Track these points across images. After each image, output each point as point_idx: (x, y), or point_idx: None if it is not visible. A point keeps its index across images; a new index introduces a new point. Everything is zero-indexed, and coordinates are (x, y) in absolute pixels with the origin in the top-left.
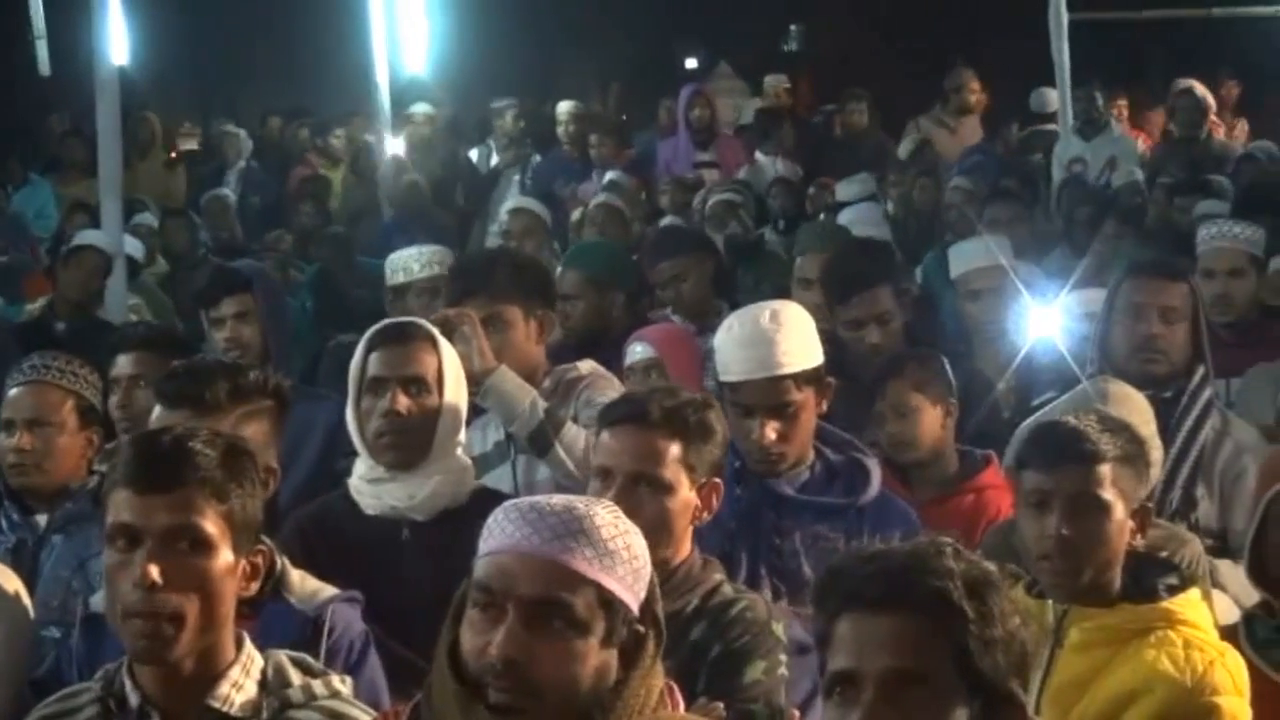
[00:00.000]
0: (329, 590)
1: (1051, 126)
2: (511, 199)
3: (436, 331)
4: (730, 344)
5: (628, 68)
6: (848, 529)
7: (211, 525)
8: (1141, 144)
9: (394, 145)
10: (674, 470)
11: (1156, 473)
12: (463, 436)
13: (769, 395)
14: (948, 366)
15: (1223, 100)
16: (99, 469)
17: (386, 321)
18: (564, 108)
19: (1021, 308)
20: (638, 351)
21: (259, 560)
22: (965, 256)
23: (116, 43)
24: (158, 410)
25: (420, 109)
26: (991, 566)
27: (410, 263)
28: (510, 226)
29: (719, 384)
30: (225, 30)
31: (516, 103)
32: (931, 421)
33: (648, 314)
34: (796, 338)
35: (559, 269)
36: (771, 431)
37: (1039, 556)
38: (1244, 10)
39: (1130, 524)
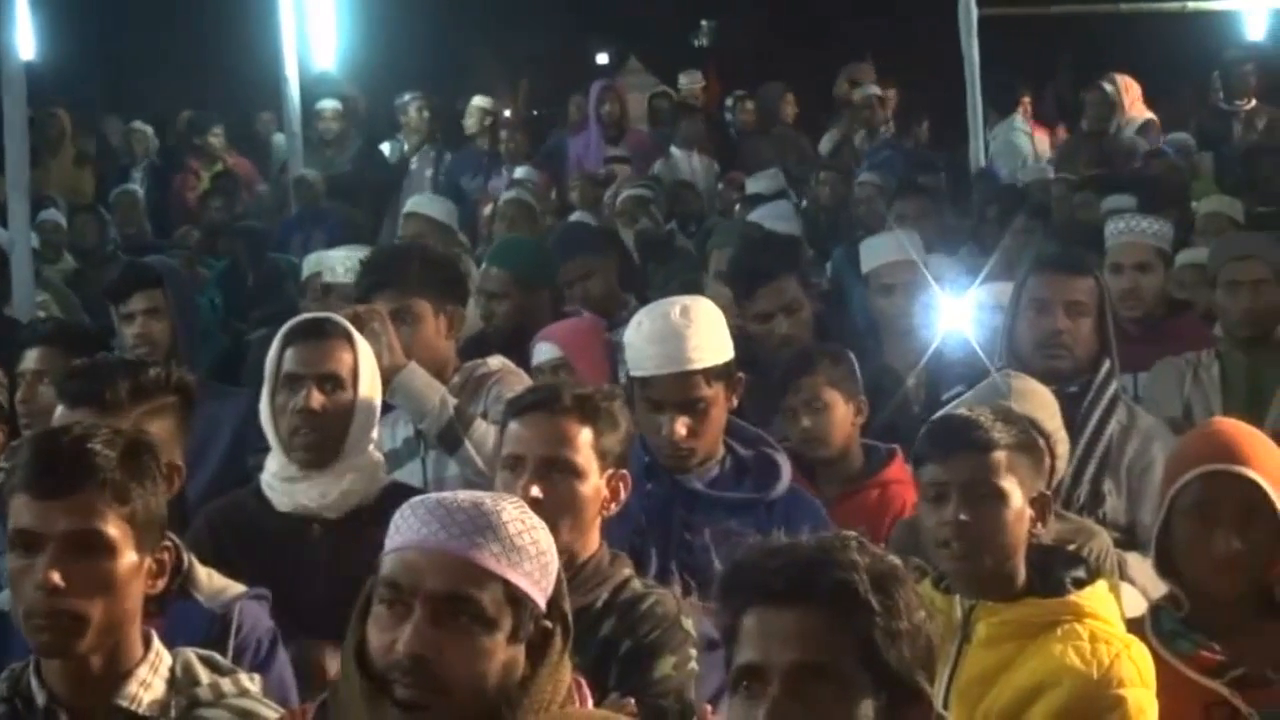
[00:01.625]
0: (236, 588)
1: None
2: (409, 201)
3: (352, 328)
4: (641, 339)
5: (539, 63)
6: (758, 524)
7: (113, 528)
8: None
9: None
10: (586, 455)
11: (1063, 465)
12: (376, 433)
13: (679, 391)
14: (857, 365)
15: None
16: (2, 466)
17: (303, 317)
18: (476, 103)
19: (932, 301)
20: (544, 352)
21: (164, 557)
22: (877, 251)
23: (23, 38)
24: (60, 409)
25: (329, 105)
26: (897, 560)
27: (336, 264)
28: (403, 232)
29: (629, 379)
30: (134, 26)
31: (421, 96)
32: (843, 418)
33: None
34: (707, 333)
35: (483, 264)
36: (682, 427)
37: (938, 544)
38: (1151, 5)
39: (1029, 513)
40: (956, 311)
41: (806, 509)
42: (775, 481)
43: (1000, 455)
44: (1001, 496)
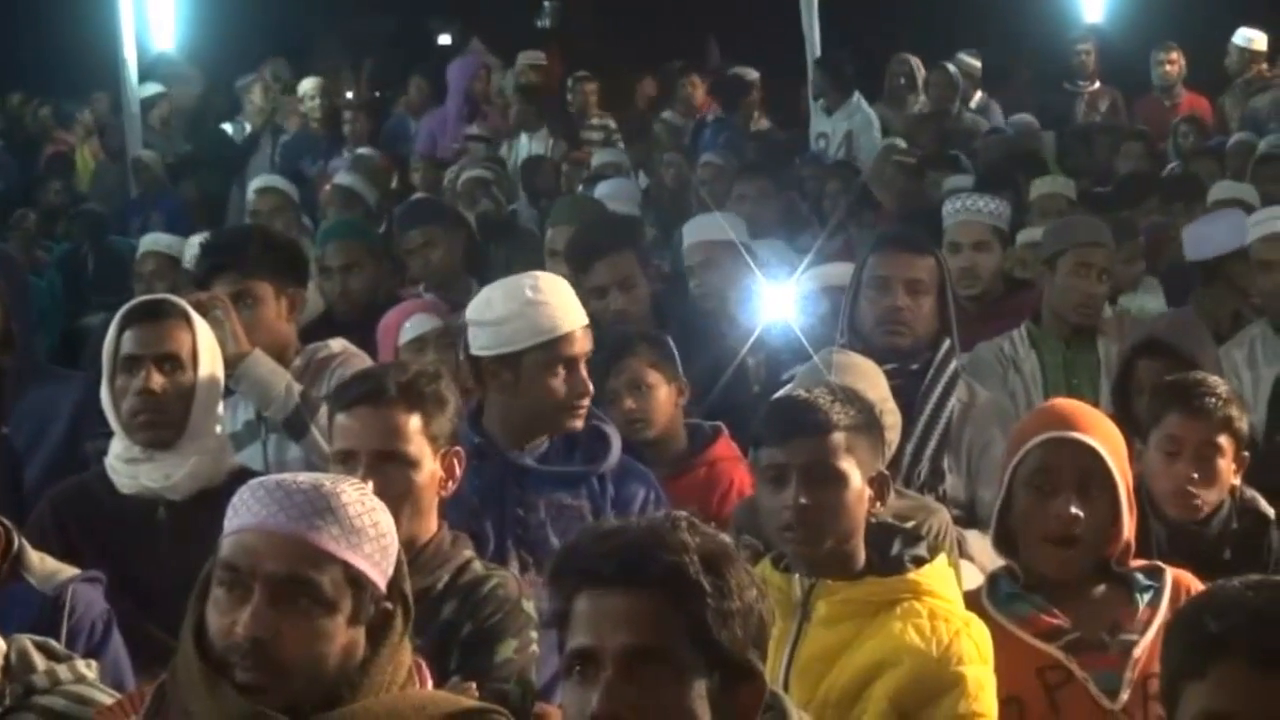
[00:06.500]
0: (69, 570)
1: None
2: (259, 178)
3: (190, 308)
4: (545, 298)
5: (380, 44)
6: (591, 496)
7: None
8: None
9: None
10: (417, 443)
11: (894, 435)
12: (220, 413)
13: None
14: (675, 348)
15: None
16: None
17: (140, 299)
18: (308, 85)
19: (754, 284)
20: (424, 322)
21: None
22: (688, 232)
23: None
24: None
25: (152, 89)
26: (728, 539)
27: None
28: (258, 206)
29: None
30: None
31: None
32: (666, 399)
33: (399, 291)
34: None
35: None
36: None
37: (779, 528)
38: None
39: (868, 492)
40: (782, 294)
41: (637, 478)
42: (606, 453)
43: (839, 437)
44: (841, 478)
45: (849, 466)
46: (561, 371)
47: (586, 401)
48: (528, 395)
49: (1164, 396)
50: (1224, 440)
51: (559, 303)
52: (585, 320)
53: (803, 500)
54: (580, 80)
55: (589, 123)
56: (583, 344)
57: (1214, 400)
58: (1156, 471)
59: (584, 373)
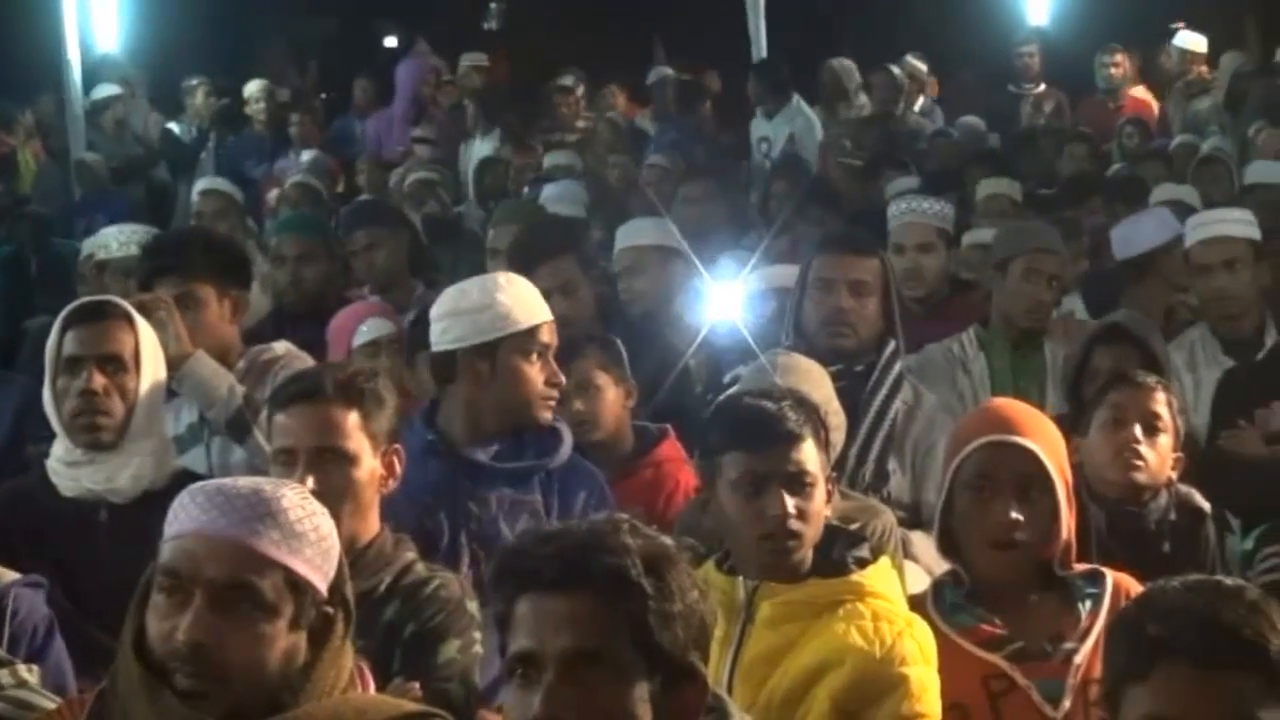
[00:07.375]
0: (9, 574)
1: None
2: (202, 180)
3: (133, 310)
4: (516, 290)
5: (326, 45)
6: (543, 491)
7: None
8: None
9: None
10: (357, 440)
11: (838, 437)
12: (163, 415)
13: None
14: (624, 352)
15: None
16: None
17: (82, 300)
18: (253, 87)
19: (689, 287)
20: (379, 326)
21: None
22: (622, 236)
23: None
24: None
25: (107, 91)
26: (669, 541)
27: (109, 240)
28: (201, 208)
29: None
30: None
31: (207, 80)
32: (614, 401)
33: (345, 293)
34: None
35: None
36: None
37: (761, 536)
38: None
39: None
40: (727, 295)
41: (585, 476)
42: (557, 450)
43: (810, 443)
44: (816, 484)
45: (818, 471)
46: (537, 361)
47: (557, 393)
48: (503, 386)
49: (1109, 382)
50: (1166, 415)
51: (530, 296)
52: (551, 316)
53: (792, 509)
54: (564, 90)
55: (575, 125)
56: (552, 337)
57: (1157, 380)
58: (1099, 443)
59: (555, 365)
